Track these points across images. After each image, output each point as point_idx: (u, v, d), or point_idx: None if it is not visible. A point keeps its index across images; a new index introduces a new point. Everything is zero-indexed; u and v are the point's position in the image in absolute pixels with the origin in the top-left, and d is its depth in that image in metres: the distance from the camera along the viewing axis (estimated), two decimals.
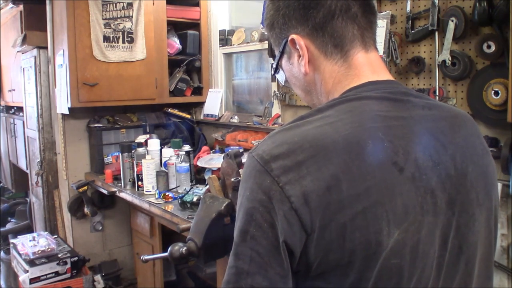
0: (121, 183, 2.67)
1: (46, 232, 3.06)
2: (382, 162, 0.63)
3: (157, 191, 2.42)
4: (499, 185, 1.68)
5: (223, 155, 2.62)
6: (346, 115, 0.66)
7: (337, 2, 0.71)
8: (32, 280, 2.51)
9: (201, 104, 3.38)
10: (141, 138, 2.85)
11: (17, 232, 3.94)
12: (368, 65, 0.74)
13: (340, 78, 0.73)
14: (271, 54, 0.66)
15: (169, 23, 3.13)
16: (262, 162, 0.63)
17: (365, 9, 0.74)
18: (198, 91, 3.34)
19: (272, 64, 0.83)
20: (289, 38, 0.74)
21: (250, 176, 0.64)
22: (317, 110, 0.69)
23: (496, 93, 1.64)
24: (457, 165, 0.69)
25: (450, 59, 1.76)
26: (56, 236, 3.03)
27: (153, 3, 2.99)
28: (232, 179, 1.71)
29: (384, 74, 0.75)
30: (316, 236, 0.60)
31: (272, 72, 0.86)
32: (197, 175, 2.70)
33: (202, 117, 3.35)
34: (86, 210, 2.98)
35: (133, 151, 2.61)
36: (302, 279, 0.64)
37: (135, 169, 2.53)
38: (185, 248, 1.53)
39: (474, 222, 0.70)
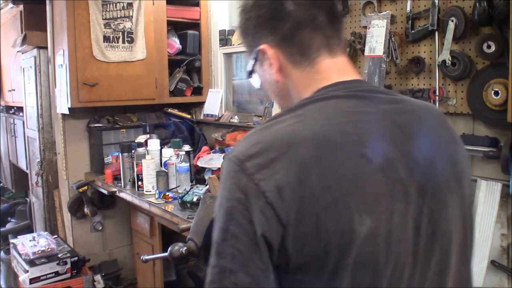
0: (121, 183, 2.67)
1: (46, 232, 3.06)
2: (351, 155, 0.66)
3: (157, 191, 2.42)
4: (499, 185, 1.68)
5: (223, 155, 2.62)
6: (315, 113, 0.70)
7: (304, 13, 0.75)
8: (32, 280, 2.51)
9: (201, 104, 3.38)
10: (141, 138, 2.85)
11: (17, 232, 3.94)
12: (335, 69, 0.78)
13: (309, 83, 0.77)
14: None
15: (169, 23, 3.13)
16: (237, 162, 0.66)
17: (331, 19, 0.77)
18: (198, 91, 3.34)
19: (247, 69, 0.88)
20: (260, 48, 0.79)
21: (228, 177, 0.67)
22: (288, 111, 0.72)
23: (496, 93, 1.64)
24: (424, 154, 0.72)
25: (450, 59, 1.76)
26: (56, 236, 3.03)
27: (153, 3, 2.99)
28: None
29: (351, 75, 0.79)
30: (292, 229, 0.63)
31: (246, 77, 0.90)
32: (197, 175, 2.70)
33: (202, 117, 3.35)
34: (86, 210, 2.98)
35: (133, 151, 2.61)
36: (283, 274, 0.66)
37: (135, 169, 2.53)
38: (185, 248, 1.53)
39: (446, 209, 0.73)
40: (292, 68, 0.78)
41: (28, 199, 4.28)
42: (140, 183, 2.50)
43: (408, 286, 0.68)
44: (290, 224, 0.62)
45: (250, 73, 0.86)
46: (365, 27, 2.07)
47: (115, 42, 2.83)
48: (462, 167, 0.78)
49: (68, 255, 2.66)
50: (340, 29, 0.80)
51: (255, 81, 0.87)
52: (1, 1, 3.78)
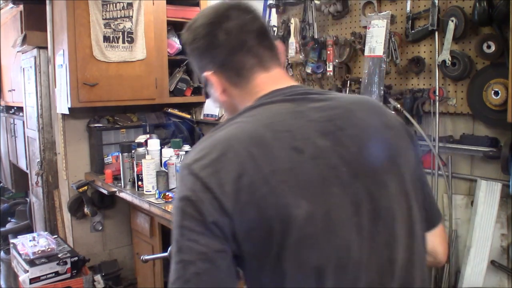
0: (121, 183, 2.67)
1: (46, 232, 3.06)
2: (282, 148, 0.75)
3: (157, 191, 2.42)
4: (499, 185, 1.68)
5: None
6: (249, 118, 0.80)
7: (234, 40, 0.86)
8: (32, 280, 2.51)
9: (201, 104, 3.38)
10: (141, 138, 2.85)
11: (17, 232, 3.94)
12: (270, 81, 0.89)
13: (250, 97, 0.88)
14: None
15: (169, 23, 3.13)
16: (186, 166, 0.77)
17: (260, 40, 0.88)
18: (198, 91, 3.34)
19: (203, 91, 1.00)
20: (204, 76, 0.91)
21: (180, 181, 0.78)
22: (228, 119, 0.84)
23: (496, 93, 1.64)
24: (356, 142, 0.80)
25: (450, 59, 1.76)
26: (56, 236, 3.03)
27: (153, 3, 2.99)
28: None
29: (286, 83, 0.89)
30: (237, 218, 0.71)
31: (205, 98, 1.02)
32: None
33: (202, 117, 3.35)
34: (86, 210, 2.98)
35: (133, 151, 2.61)
36: (241, 264, 0.76)
37: (135, 169, 2.53)
38: None
39: (386, 188, 0.80)
40: (233, 88, 0.90)
41: (28, 199, 4.28)
42: (140, 183, 2.50)
43: (358, 261, 0.75)
44: (235, 214, 0.71)
45: (206, 95, 0.98)
46: (365, 27, 2.07)
47: (115, 42, 2.83)
48: (397, 149, 0.85)
49: (68, 255, 2.66)
50: (270, 46, 0.90)
51: (211, 101, 0.99)
52: (1, 1, 3.78)
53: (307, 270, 0.73)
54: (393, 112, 1.93)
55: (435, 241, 0.95)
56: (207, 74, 0.90)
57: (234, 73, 0.88)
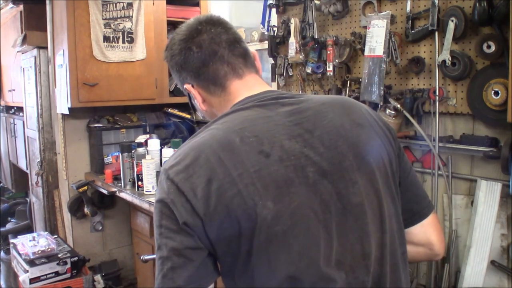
0: (121, 183, 2.67)
1: (46, 232, 3.06)
2: (249, 153, 0.80)
3: (157, 191, 2.42)
4: (499, 185, 1.68)
5: None
6: (221, 125, 0.86)
7: (205, 52, 0.92)
8: (32, 280, 2.51)
9: None
10: (141, 138, 2.85)
11: (17, 232, 3.94)
12: (244, 87, 0.94)
13: (226, 104, 0.94)
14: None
15: (169, 23, 3.13)
16: (164, 172, 0.83)
17: (231, 48, 0.94)
18: None
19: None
20: (185, 88, 0.98)
21: (159, 184, 0.84)
22: (204, 127, 0.89)
23: (496, 93, 1.64)
24: (325, 143, 0.84)
25: (450, 59, 1.76)
26: (56, 236, 3.03)
27: (153, 3, 2.99)
28: None
29: (259, 89, 0.94)
30: (208, 219, 0.77)
31: (193, 112, 1.07)
32: None
33: (202, 117, 3.35)
34: (86, 210, 2.98)
35: (133, 151, 2.61)
36: (219, 262, 0.82)
37: (135, 169, 2.53)
38: None
39: (354, 185, 0.83)
40: (211, 97, 0.96)
41: (28, 199, 4.28)
42: (140, 183, 2.50)
43: (327, 255, 0.79)
44: (206, 215, 0.77)
45: (193, 107, 1.04)
46: (365, 27, 2.07)
47: (115, 42, 2.83)
48: (366, 146, 0.88)
49: (68, 255, 2.66)
50: (243, 54, 0.95)
51: (198, 112, 1.05)
52: (1, 1, 3.78)
53: (277, 268, 0.77)
54: (393, 111, 1.93)
55: (427, 231, 0.97)
56: (187, 86, 0.97)
57: (211, 82, 0.94)
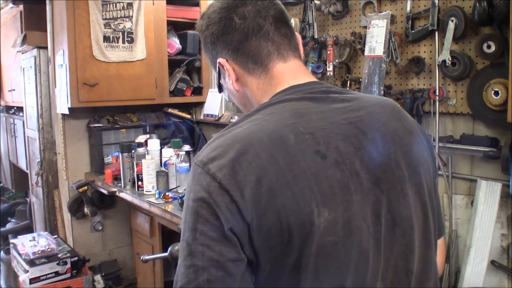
0: (121, 183, 2.67)
1: (46, 232, 3.06)
2: (305, 152, 0.71)
3: (157, 191, 2.42)
4: (499, 185, 1.68)
5: None
6: (269, 116, 0.75)
7: (250, 25, 0.82)
8: (32, 280, 2.50)
9: (201, 104, 3.38)
10: (141, 138, 2.85)
11: (17, 232, 3.94)
12: (289, 73, 0.84)
13: (266, 88, 0.84)
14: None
15: (169, 23, 3.13)
16: (201, 165, 0.71)
17: (277, 26, 0.84)
18: (198, 91, 3.34)
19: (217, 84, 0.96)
20: (218, 62, 0.87)
21: (193, 179, 0.72)
22: (245, 116, 0.79)
23: (496, 93, 1.64)
24: (378, 147, 0.77)
25: (450, 59, 1.76)
26: (56, 236, 3.03)
27: (153, 3, 2.99)
28: None
29: (305, 78, 0.84)
30: (255, 224, 0.67)
31: (218, 92, 0.97)
32: None
33: (202, 117, 3.35)
34: (86, 210, 2.98)
35: (133, 151, 2.61)
36: (255, 272, 0.71)
37: (135, 169, 2.53)
38: None
39: (404, 197, 0.77)
40: (248, 76, 0.85)
41: (28, 199, 4.28)
42: (140, 183, 2.50)
43: (375, 271, 0.72)
44: (253, 220, 0.67)
45: (220, 87, 0.94)
46: (365, 27, 2.07)
47: (115, 42, 2.83)
48: (418, 156, 0.82)
49: (68, 255, 2.66)
50: (289, 34, 0.86)
51: (225, 93, 0.95)
52: (1, 1, 3.78)
53: (323, 282, 0.70)
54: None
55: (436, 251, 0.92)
56: (221, 60, 0.86)
57: (250, 59, 0.83)
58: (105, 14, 2.78)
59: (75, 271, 2.66)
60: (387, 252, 0.74)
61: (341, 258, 0.70)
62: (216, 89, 1.01)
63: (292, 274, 0.69)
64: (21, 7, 3.51)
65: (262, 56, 0.83)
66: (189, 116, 3.38)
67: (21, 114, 3.91)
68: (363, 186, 0.73)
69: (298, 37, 0.89)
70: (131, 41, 2.89)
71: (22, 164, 3.98)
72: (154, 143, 2.60)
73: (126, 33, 2.87)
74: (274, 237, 0.67)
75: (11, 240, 2.95)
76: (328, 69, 2.17)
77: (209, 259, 0.67)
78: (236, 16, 0.82)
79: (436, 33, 1.82)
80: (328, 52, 2.17)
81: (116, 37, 2.84)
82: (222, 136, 0.75)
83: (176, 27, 3.25)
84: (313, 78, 0.86)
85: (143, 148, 2.59)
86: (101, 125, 3.03)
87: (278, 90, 0.82)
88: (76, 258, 2.66)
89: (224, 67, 0.86)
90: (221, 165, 0.69)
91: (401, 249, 0.76)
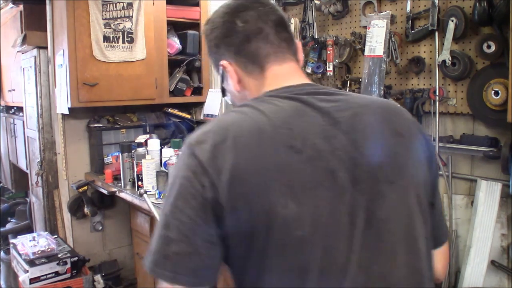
0: (121, 183, 2.67)
1: (46, 232, 3.06)
2: (279, 145, 0.74)
3: (157, 191, 2.42)
4: (499, 185, 1.68)
5: None
6: (254, 110, 0.79)
7: (251, 27, 0.87)
8: (32, 280, 2.50)
9: (201, 104, 3.38)
10: (141, 138, 2.85)
11: (17, 232, 3.94)
12: (283, 75, 0.88)
13: (261, 88, 0.88)
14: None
15: (169, 23, 3.13)
16: (190, 147, 0.77)
17: (277, 30, 0.88)
18: (198, 91, 3.34)
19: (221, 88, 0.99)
20: (221, 64, 0.91)
21: (181, 159, 0.78)
22: (238, 106, 0.85)
23: (496, 93, 1.64)
24: (360, 148, 0.78)
25: (450, 59, 1.76)
26: (56, 236, 3.03)
27: (153, 3, 2.99)
28: None
29: (298, 80, 0.88)
30: (228, 207, 0.71)
31: (222, 96, 1.01)
32: None
33: (202, 117, 3.35)
34: (86, 210, 2.97)
35: (133, 151, 2.61)
36: (226, 258, 0.76)
37: (135, 169, 2.53)
38: None
39: (383, 199, 0.77)
40: (247, 77, 0.89)
41: (28, 199, 4.28)
42: (140, 183, 2.50)
43: (343, 269, 0.72)
44: (228, 202, 0.71)
45: (223, 91, 0.97)
46: (365, 27, 2.07)
47: (115, 42, 2.83)
48: (405, 160, 0.81)
49: (68, 255, 2.66)
50: (287, 38, 0.90)
51: (228, 97, 0.98)
52: (1, 1, 3.78)
53: (286, 275, 0.72)
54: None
55: (436, 258, 0.91)
56: (224, 63, 0.90)
57: (250, 60, 0.88)
58: (105, 14, 2.78)
59: (75, 271, 2.66)
60: (359, 254, 0.74)
61: (305, 252, 0.72)
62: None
63: (260, 263, 0.73)
64: (21, 7, 3.51)
65: (261, 57, 0.87)
66: (189, 116, 3.38)
67: (21, 114, 3.91)
68: (338, 184, 0.74)
69: (298, 43, 0.94)
70: (131, 41, 2.89)
71: (22, 164, 3.98)
72: (154, 143, 2.60)
73: (126, 33, 2.87)
74: (243, 223, 0.71)
75: (11, 240, 2.95)
76: (328, 69, 2.17)
77: (182, 234, 0.72)
78: (238, 20, 0.87)
79: (436, 33, 1.82)
80: (328, 52, 2.17)
81: (116, 37, 2.84)
82: (213, 121, 0.81)
83: (176, 27, 3.25)
84: (307, 80, 0.90)
85: (143, 148, 2.59)
86: (101, 125, 3.03)
87: (269, 89, 0.86)
88: (76, 258, 2.66)
89: (227, 69, 0.90)
90: (205, 149, 0.74)
91: (374, 252, 0.75)
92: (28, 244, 2.70)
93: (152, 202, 2.32)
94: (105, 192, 2.78)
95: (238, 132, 0.75)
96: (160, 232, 0.75)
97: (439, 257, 0.93)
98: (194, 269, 0.72)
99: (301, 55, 0.94)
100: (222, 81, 0.95)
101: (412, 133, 0.85)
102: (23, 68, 3.56)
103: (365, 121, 0.81)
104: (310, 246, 0.72)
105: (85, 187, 2.92)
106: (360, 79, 2.06)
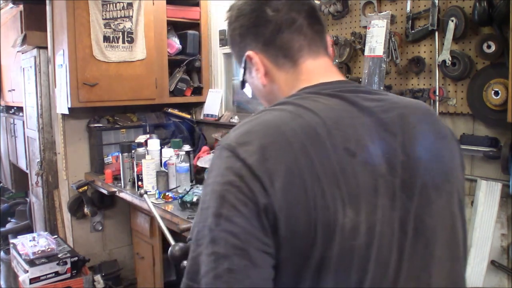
0: (121, 183, 2.67)
1: (46, 232, 3.06)
2: (335, 147, 0.67)
3: (157, 191, 2.42)
4: (499, 185, 1.68)
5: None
6: (299, 108, 0.71)
7: (283, 17, 0.79)
8: (32, 280, 2.51)
9: (201, 104, 3.38)
10: (141, 138, 2.85)
11: (17, 232, 3.94)
12: (318, 70, 0.81)
13: (294, 84, 0.80)
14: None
15: (169, 23, 3.13)
16: (230, 149, 0.67)
17: (310, 21, 0.81)
18: (198, 91, 3.34)
19: (240, 80, 0.91)
20: (246, 55, 0.83)
21: (220, 163, 0.67)
22: (274, 105, 0.75)
23: (496, 93, 1.64)
24: (407, 151, 0.73)
25: (450, 59, 1.76)
26: (56, 236, 3.03)
27: (153, 3, 2.99)
28: None
29: (334, 76, 0.81)
30: (284, 215, 0.63)
31: (240, 88, 0.93)
32: (197, 175, 2.70)
33: (202, 117, 3.35)
34: (86, 210, 2.98)
35: (133, 151, 2.61)
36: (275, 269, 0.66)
37: (135, 169, 2.53)
38: (185, 248, 1.53)
39: (431, 205, 0.73)
40: (277, 70, 0.82)
41: (28, 199, 4.28)
42: (140, 183, 2.50)
43: (394, 280, 0.68)
44: (282, 211, 0.62)
45: (243, 83, 0.89)
46: (365, 27, 2.07)
47: (115, 42, 2.83)
48: (450, 163, 0.78)
49: (68, 255, 2.66)
50: (321, 31, 0.83)
51: (248, 90, 0.91)
52: (1, 1, 3.78)
53: (343, 285, 0.66)
54: None
55: None
56: (250, 53, 0.82)
57: (280, 52, 0.80)
58: (105, 14, 2.78)
59: (75, 271, 2.66)
60: (409, 263, 0.70)
61: (360, 263, 0.66)
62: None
63: (314, 276, 0.65)
64: (21, 7, 3.51)
65: (293, 50, 0.80)
66: (189, 116, 3.38)
67: (21, 114, 3.91)
68: (391, 190, 0.69)
69: (328, 37, 0.87)
70: (131, 41, 2.89)
71: (22, 164, 3.98)
72: (154, 143, 2.60)
73: (126, 33, 2.87)
74: (300, 233, 0.63)
75: (11, 240, 2.95)
76: None
77: (233, 246, 0.62)
78: (269, 8, 0.79)
79: (436, 33, 1.82)
80: None
81: (116, 37, 2.84)
82: (251, 122, 0.71)
83: (176, 27, 3.25)
84: (342, 77, 0.83)
85: (143, 148, 2.59)
86: (101, 125, 3.03)
87: (306, 85, 0.79)
88: (76, 258, 2.66)
89: (253, 61, 0.82)
90: (251, 151, 0.65)
91: (423, 261, 0.72)
92: (28, 244, 2.70)
93: (152, 202, 2.32)
94: (105, 192, 2.78)
95: (291, 132, 0.67)
96: (206, 250, 0.63)
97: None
98: (252, 283, 0.62)
99: (332, 50, 0.87)
100: (244, 73, 0.87)
101: (450, 137, 0.81)
102: (23, 68, 3.57)
103: (412, 123, 0.76)
104: (364, 256, 0.67)
105: (85, 187, 2.92)
106: (360, 79, 2.06)
